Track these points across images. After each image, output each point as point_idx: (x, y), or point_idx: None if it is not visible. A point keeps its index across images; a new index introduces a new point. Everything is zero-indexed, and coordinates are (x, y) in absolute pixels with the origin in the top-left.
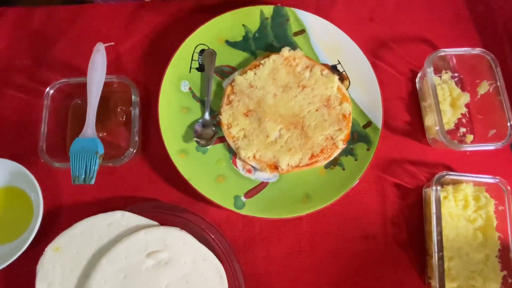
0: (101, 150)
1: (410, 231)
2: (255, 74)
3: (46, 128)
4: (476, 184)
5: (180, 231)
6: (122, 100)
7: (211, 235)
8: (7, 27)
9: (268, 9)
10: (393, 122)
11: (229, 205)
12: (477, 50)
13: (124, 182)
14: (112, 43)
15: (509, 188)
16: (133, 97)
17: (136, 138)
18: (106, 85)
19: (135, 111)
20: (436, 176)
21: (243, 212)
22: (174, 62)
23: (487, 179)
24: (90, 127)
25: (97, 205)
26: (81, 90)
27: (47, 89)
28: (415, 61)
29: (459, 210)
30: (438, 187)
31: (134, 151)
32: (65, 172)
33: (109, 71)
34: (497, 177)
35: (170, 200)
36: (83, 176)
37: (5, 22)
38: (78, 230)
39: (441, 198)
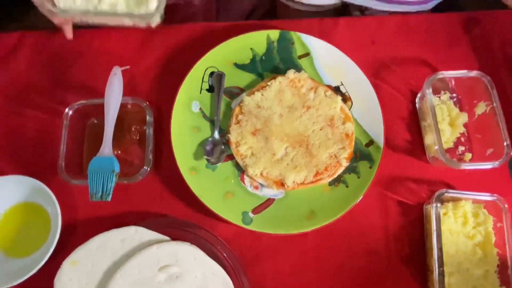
0: (117, 168)
1: (412, 246)
2: (262, 95)
3: (65, 148)
4: (475, 201)
5: (190, 246)
6: (136, 119)
7: (220, 250)
8: (27, 50)
9: (274, 34)
10: (395, 141)
11: (237, 221)
12: (474, 73)
13: (137, 198)
14: (128, 67)
15: (506, 205)
16: (147, 117)
17: (150, 157)
18: (122, 106)
19: (149, 131)
20: (436, 193)
21: (251, 228)
22: (186, 83)
23: (486, 197)
24: (107, 146)
25: (112, 220)
26: (97, 110)
27: (66, 110)
28: (415, 82)
29: (459, 226)
30: (438, 204)
31: (148, 169)
32: (81, 188)
33: (124, 92)
34: (495, 195)
35: (181, 216)
36: (100, 193)
37: (26, 45)
38: (94, 245)
39: (441, 214)
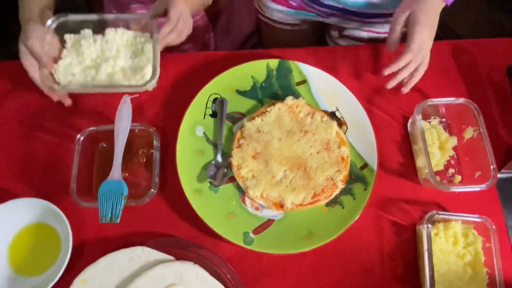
0: (126, 191)
1: (405, 265)
2: (262, 120)
3: (77, 171)
4: (465, 222)
5: (194, 266)
6: (143, 143)
7: (222, 269)
8: None
9: (273, 62)
10: (388, 163)
11: (239, 241)
12: (461, 100)
13: (144, 219)
14: (137, 95)
15: (494, 226)
16: (154, 142)
17: (157, 180)
18: (130, 131)
19: (156, 155)
20: (427, 215)
21: (252, 248)
22: (191, 109)
23: (475, 218)
24: (116, 171)
25: (120, 240)
26: (107, 135)
27: (78, 135)
28: (406, 107)
29: (449, 246)
30: (429, 225)
31: (155, 191)
32: (90, 210)
33: (133, 118)
34: (483, 216)
35: (184, 236)
36: (110, 216)
37: None
38: (103, 265)
39: (432, 235)
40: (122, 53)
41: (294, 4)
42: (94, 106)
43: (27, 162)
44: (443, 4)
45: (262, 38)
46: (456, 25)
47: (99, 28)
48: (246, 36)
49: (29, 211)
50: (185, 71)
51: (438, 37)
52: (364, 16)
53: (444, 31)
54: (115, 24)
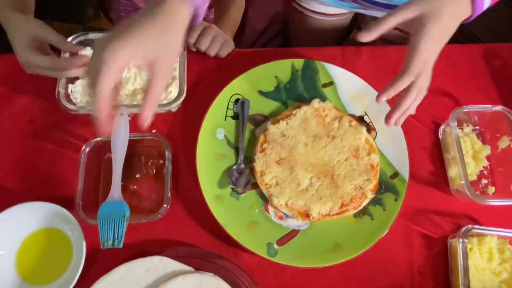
0: (127, 213)
1: (436, 281)
2: (287, 123)
3: (82, 185)
4: (500, 237)
5: (214, 277)
6: (152, 154)
7: (244, 281)
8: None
9: (299, 62)
10: (418, 172)
11: (262, 252)
12: (498, 107)
13: (160, 227)
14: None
15: None
16: (166, 153)
17: (169, 195)
18: (138, 141)
19: (168, 167)
20: (463, 229)
21: (276, 260)
22: (212, 110)
23: (511, 233)
24: (116, 190)
25: (135, 249)
26: None
27: (83, 147)
28: (437, 113)
29: (484, 262)
30: (465, 240)
31: (168, 206)
32: None
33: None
34: None
35: (203, 244)
36: (112, 240)
37: None
38: (118, 275)
39: (468, 250)
40: (144, 72)
41: None
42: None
43: (33, 173)
44: (468, 13)
45: (276, 36)
46: (475, 27)
47: None
48: (259, 33)
49: (38, 215)
50: (203, 71)
51: (457, 40)
52: None
53: (463, 34)
54: None
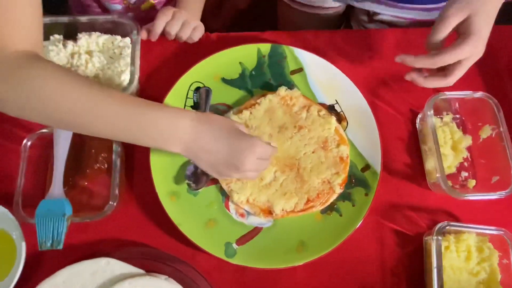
0: (69, 211)
1: (410, 281)
2: (250, 113)
3: (23, 181)
4: (479, 234)
5: (166, 281)
6: (103, 147)
7: (200, 285)
8: None
9: (265, 47)
10: (393, 164)
11: (219, 253)
12: (479, 94)
13: (111, 226)
14: None
15: None
16: (114, 146)
17: (116, 192)
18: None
19: (116, 162)
20: (437, 226)
21: (234, 261)
22: (169, 99)
23: (491, 230)
24: (57, 187)
25: (83, 249)
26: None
27: (25, 141)
28: (415, 101)
29: (461, 262)
30: (439, 238)
31: (115, 204)
32: None
33: None
34: (502, 228)
35: (158, 245)
36: (51, 241)
37: None
38: (61, 279)
39: (443, 248)
40: (95, 59)
41: None
42: None
43: None
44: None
45: (259, 17)
46: None
47: (71, 33)
48: (239, 12)
49: None
50: (162, 57)
51: None
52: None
53: None
54: (90, 27)
